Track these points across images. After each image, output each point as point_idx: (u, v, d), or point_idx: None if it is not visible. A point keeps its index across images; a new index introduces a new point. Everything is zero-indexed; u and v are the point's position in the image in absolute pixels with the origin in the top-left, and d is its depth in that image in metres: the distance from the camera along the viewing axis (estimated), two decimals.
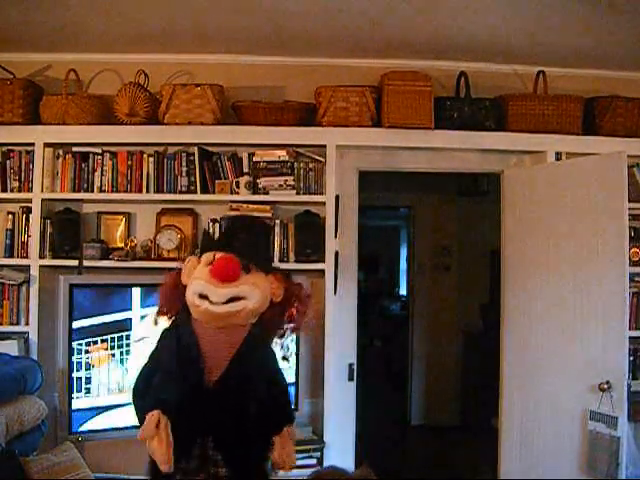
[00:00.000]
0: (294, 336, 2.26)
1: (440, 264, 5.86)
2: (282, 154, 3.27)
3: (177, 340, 1.98)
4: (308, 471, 3.09)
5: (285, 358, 2.18)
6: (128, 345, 3.03)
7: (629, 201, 2.86)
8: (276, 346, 2.14)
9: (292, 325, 2.11)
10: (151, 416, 1.79)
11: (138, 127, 3.22)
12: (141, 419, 1.85)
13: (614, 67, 3.48)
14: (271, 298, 2.02)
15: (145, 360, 2.05)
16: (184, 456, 1.87)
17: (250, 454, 1.99)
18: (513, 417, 3.25)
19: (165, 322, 2.10)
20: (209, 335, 1.95)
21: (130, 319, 3.04)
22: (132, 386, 2.05)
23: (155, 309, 2.12)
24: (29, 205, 3.23)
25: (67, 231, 3.23)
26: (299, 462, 3.07)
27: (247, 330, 1.99)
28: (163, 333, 2.05)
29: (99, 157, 3.28)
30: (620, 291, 2.79)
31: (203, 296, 1.92)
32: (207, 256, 2.00)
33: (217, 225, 3.29)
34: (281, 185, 3.26)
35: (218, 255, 1.96)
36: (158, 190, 3.28)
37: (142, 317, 3.04)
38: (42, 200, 3.22)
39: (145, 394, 1.93)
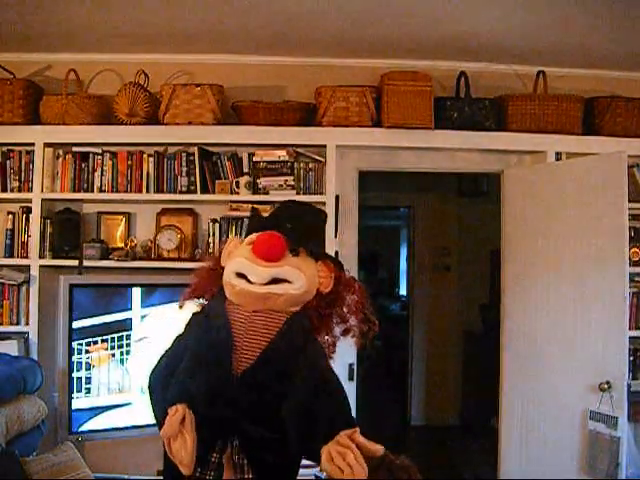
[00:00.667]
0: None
1: (440, 264, 5.86)
2: (282, 154, 3.27)
3: (207, 324, 1.74)
4: (308, 471, 3.10)
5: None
6: (128, 345, 3.03)
7: (629, 201, 2.87)
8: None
9: (343, 325, 1.86)
10: (175, 411, 1.56)
11: (138, 127, 3.22)
12: (160, 413, 1.63)
13: (614, 67, 3.48)
14: (318, 288, 1.79)
15: (167, 346, 1.83)
16: (202, 462, 1.61)
17: (281, 459, 1.69)
18: (513, 417, 3.25)
19: (191, 307, 1.87)
20: (243, 319, 1.71)
21: (130, 319, 3.03)
22: (149, 375, 1.81)
23: (185, 292, 1.89)
24: (29, 205, 3.23)
25: (67, 231, 3.23)
26: None
27: (287, 318, 1.73)
28: (192, 317, 1.83)
29: (99, 157, 3.28)
30: (620, 291, 2.79)
31: (241, 275, 1.72)
32: (251, 237, 1.79)
33: (217, 225, 3.29)
34: (281, 185, 3.26)
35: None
36: (158, 190, 3.28)
37: (142, 317, 3.04)
38: (42, 200, 3.22)
39: (165, 382, 1.71)
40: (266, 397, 1.65)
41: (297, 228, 1.77)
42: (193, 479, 1.60)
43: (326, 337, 1.87)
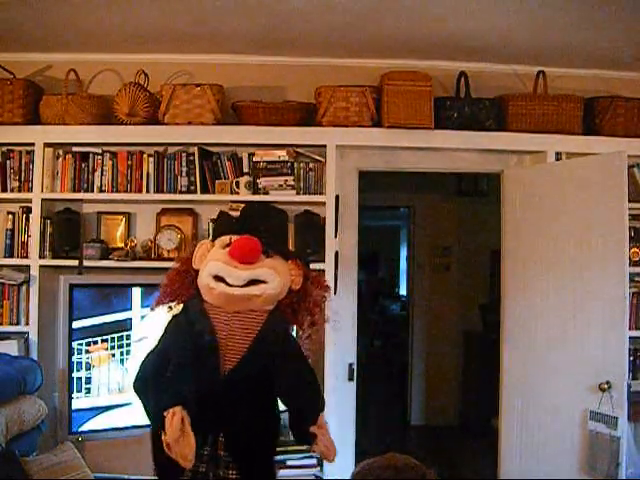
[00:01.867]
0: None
1: (440, 264, 5.86)
2: (282, 154, 3.26)
3: (190, 326, 1.83)
4: (308, 471, 3.10)
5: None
6: (128, 345, 3.03)
7: (629, 201, 2.87)
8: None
9: (309, 318, 1.99)
10: (173, 414, 1.65)
11: (138, 127, 3.22)
12: (156, 416, 1.72)
13: (614, 67, 3.47)
14: (290, 285, 1.92)
15: (151, 348, 1.91)
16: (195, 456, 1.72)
17: (262, 454, 1.87)
18: (513, 417, 3.25)
19: (166, 311, 1.97)
20: (223, 321, 1.82)
21: (130, 319, 3.04)
22: (135, 376, 1.90)
23: (158, 294, 1.99)
24: (29, 205, 3.23)
25: (67, 231, 3.23)
26: (298, 462, 3.10)
27: (265, 316, 1.86)
28: (172, 320, 1.92)
29: (99, 157, 3.28)
30: (620, 291, 2.79)
31: (219, 278, 1.81)
32: (222, 239, 1.90)
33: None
34: (281, 185, 3.26)
35: (235, 238, 1.86)
36: (158, 190, 3.28)
37: (142, 317, 3.04)
38: (42, 200, 3.21)
39: (156, 384, 1.79)
40: (252, 392, 1.79)
41: (267, 230, 1.90)
42: (188, 473, 1.73)
43: (300, 332, 2.02)
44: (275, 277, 1.85)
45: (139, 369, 1.90)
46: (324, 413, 1.90)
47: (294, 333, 2.06)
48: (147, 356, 1.91)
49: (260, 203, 2.27)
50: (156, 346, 1.90)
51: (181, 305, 1.95)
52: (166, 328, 1.92)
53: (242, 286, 1.81)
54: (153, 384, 1.80)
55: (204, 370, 1.77)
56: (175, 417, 1.64)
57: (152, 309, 2.01)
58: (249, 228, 1.88)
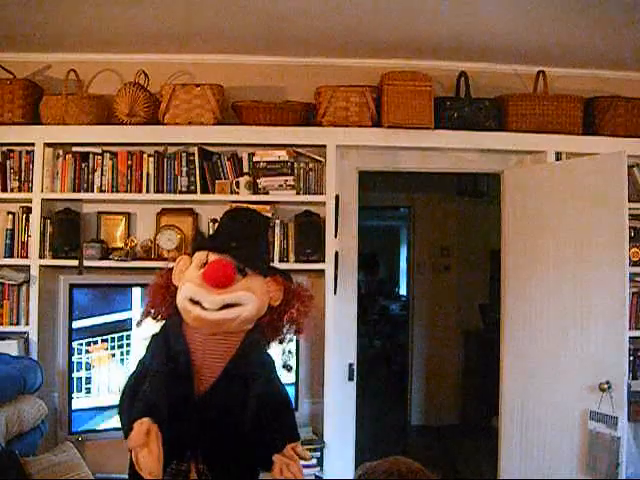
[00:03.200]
0: (294, 338, 2.11)
1: (440, 264, 5.86)
2: (282, 154, 3.26)
3: (166, 346, 1.83)
4: (308, 471, 3.10)
5: (286, 366, 2.05)
6: (128, 345, 3.03)
7: (629, 201, 2.87)
8: (277, 352, 2.00)
9: (293, 328, 1.97)
10: (140, 424, 1.64)
11: (138, 127, 3.22)
12: (127, 428, 1.69)
13: (614, 67, 3.47)
14: (269, 302, 1.89)
15: (134, 368, 1.92)
16: (169, 472, 1.73)
17: (242, 470, 1.83)
18: (513, 417, 3.25)
19: (151, 324, 1.97)
20: (200, 342, 1.81)
21: (130, 319, 3.04)
22: (119, 398, 1.90)
23: (142, 310, 1.99)
24: (29, 205, 3.22)
25: (67, 231, 3.22)
26: None
27: (242, 337, 1.84)
28: (152, 338, 1.91)
29: (99, 157, 3.28)
30: (620, 291, 2.79)
31: (195, 301, 1.80)
32: (199, 257, 1.86)
33: (217, 225, 3.29)
34: (281, 185, 3.26)
35: (211, 257, 1.83)
36: (158, 190, 3.27)
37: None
38: (42, 200, 3.21)
39: (130, 401, 1.79)
40: (225, 413, 1.77)
41: (242, 246, 1.84)
42: None
43: (278, 336, 1.98)
44: (251, 298, 1.82)
45: (122, 389, 1.90)
46: (298, 445, 1.83)
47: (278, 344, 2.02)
48: (129, 378, 1.91)
49: (239, 210, 2.21)
50: (137, 366, 1.91)
51: (162, 322, 1.95)
52: (147, 348, 1.92)
53: (218, 309, 1.79)
54: (128, 401, 1.80)
55: (178, 391, 1.76)
56: (141, 427, 1.63)
57: (138, 325, 2.00)
58: (224, 245, 1.84)
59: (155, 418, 1.67)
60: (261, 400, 1.80)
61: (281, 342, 2.01)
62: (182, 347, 1.81)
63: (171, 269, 1.95)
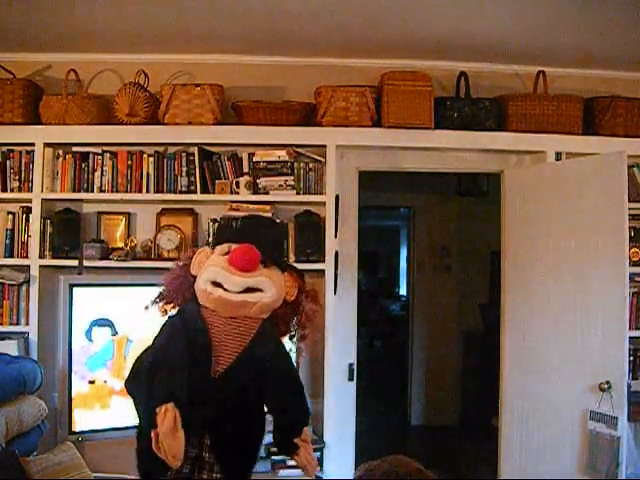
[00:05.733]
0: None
1: (440, 264, 5.86)
2: (282, 154, 3.26)
3: (185, 327, 1.88)
4: None
5: None
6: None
7: (629, 201, 2.86)
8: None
9: (300, 330, 2.05)
10: (166, 411, 1.70)
11: (138, 127, 3.22)
12: (146, 412, 1.76)
13: (614, 67, 3.47)
14: (285, 297, 1.97)
15: (145, 347, 1.95)
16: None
17: (246, 458, 1.91)
18: (513, 417, 3.25)
19: (160, 314, 2.02)
20: (219, 324, 1.88)
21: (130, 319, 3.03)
22: (128, 374, 1.95)
23: (155, 296, 2.04)
24: (29, 205, 3.23)
25: (67, 231, 3.23)
26: None
27: (259, 324, 1.91)
28: (169, 320, 1.96)
29: (99, 157, 3.28)
30: (620, 291, 2.79)
31: (217, 284, 1.87)
32: (222, 247, 1.95)
33: (217, 225, 3.29)
34: (281, 185, 3.26)
35: (234, 247, 1.91)
36: (158, 190, 3.28)
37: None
38: (42, 200, 3.21)
39: (148, 384, 1.82)
40: (241, 396, 1.83)
41: (265, 241, 1.95)
42: (172, 474, 1.76)
43: (289, 332, 2.07)
44: (271, 287, 1.90)
45: (132, 367, 1.95)
46: (308, 428, 1.99)
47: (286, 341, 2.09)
48: (140, 355, 1.95)
49: (259, 216, 2.36)
50: (150, 345, 1.94)
51: (176, 309, 2.01)
52: (161, 328, 1.96)
53: (239, 292, 1.86)
54: (146, 382, 1.84)
55: (196, 371, 1.82)
56: (168, 413, 1.69)
57: (147, 308, 2.05)
58: (248, 238, 1.93)
59: (177, 403, 1.73)
60: (281, 386, 1.92)
61: (291, 338, 2.08)
62: (201, 327, 1.86)
63: (188, 262, 2.01)
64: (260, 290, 1.88)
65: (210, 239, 3.29)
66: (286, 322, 2.03)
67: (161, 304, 2.03)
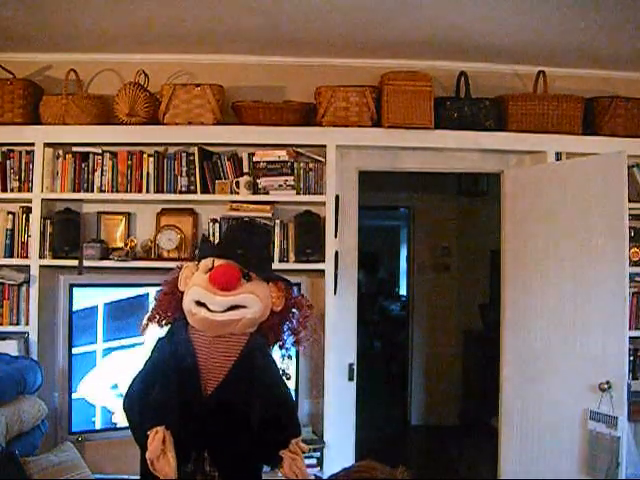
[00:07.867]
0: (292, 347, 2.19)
1: (440, 264, 5.86)
2: (282, 154, 3.26)
3: (173, 349, 1.90)
4: (308, 471, 3.10)
5: (284, 374, 2.08)
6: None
7: (629, 201, 2.86)
8: (276, 358, 2.06)
9: (293, 337, 2.05)
10: (155, 433, 1.73)
11: (138, 127, 3.22)
12: (139, 432, 1.79)
13: (614, 67, 3.47)
14: (271, 307, 1.97)
15: (140, 368, 1.97)
16: (178, 472, 1.78)
17: (248, 469, 1.91)
18: (513, 417, 3.25)
19: (154, 329, 2.05)
20: (206, 344, 1.89)
21: None
22: (124, 395, 1.98)
23: (147, 315, 2.07)
24: (29, 205, 3.22)
25: (67, 231, 3.23)
26: None
27: (246, 339, 1.92)
28: (158, 342, 1.99)
29: (99, 157, 3.28)
30: (620, 291, 2.79)
31: (201, 303, 1.88)
32: (205, 262, 1.95)
33: (217, 225, 3.29)
34: (281, 185, 3.26)
35: (217, 262, 1.91)
36: (158, 190, 3.28)
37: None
38: (42, 200, 3.21)
39: (141, 405, 1.85)
40: (234, 411, 1.84)
41: (248, 253, 1.93)
42: None
43: (279, 341, 2.07)
44: (255, 301, 1.90)
45: (127, 389, 1.97)
46: (300, 440, 1.96)
47: (276, 351, 2.10)
48: (135, 377, 1.97)
49: (243, 222, 2.35)
50: (143, 367, 1.97)
51: (168, 326, 2.03)
52: (152, 350, 1.99)
53: (223, 311, 1.86)
54: (138, 405, 1.87)
55: (186, 392, 1.84)
56: (157, 436, 1.72)
57: (143, 331, 2.07)
58: (230, 252, 1.93)
59: (167, 424, 1.75)
60: (265, 400, 1.89)
61: (281, 347, 2.08)
62: (188, 349, 1.88)
63: (177, 277, 2.03)
64: (244, 307, 1.89)
65: (210, 239, 3.29)
66: (275, 331, 2.03)
67: (154, 321, 2.05)
